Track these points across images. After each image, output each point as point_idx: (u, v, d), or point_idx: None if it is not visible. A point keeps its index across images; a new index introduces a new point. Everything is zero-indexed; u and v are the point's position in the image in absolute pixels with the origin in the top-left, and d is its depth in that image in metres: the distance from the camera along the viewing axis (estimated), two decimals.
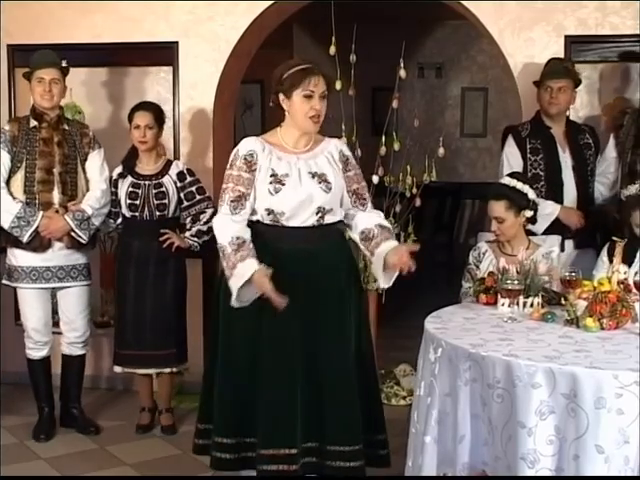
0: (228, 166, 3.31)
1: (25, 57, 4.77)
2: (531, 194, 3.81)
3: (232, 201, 3.23)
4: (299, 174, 3.25)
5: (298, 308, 3.18)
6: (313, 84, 3.20)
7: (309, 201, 3.24)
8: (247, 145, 3.28)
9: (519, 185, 3.80)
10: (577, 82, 4.39)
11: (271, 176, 3.24)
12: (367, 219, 3.39)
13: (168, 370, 4.45)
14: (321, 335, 3.26)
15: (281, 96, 3.26)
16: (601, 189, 4.43)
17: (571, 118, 4.55)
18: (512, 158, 4.37)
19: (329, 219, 3.30)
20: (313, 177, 3.26)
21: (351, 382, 3.29)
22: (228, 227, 3.23)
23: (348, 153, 3.43)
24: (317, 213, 3.26)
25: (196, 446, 3.50)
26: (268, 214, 3.25)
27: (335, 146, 3.40)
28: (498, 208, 3.75)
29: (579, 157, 4.38)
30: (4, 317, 5.11)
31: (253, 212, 3.28)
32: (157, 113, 4.44)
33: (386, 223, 3.42)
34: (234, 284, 3.15)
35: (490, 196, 3.83)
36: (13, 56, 5.18)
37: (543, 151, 4.34)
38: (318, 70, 3.24)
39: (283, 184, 3.23)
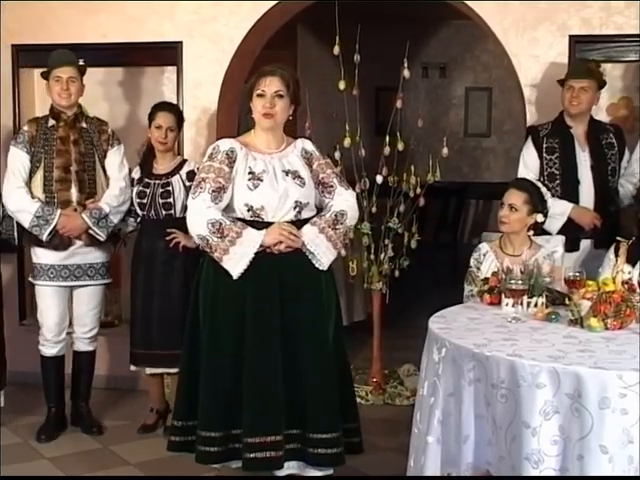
0: (206, 158, 3.43)
1: (29, 57, 4.81)
2: (549, 202, 3.90)
3: (213, 191, 3.33)
4: (274, 172, 3.40)
5: (278, 298, 3.33)
6: (264, 84, 3.40)
7: (285, 196, 3.36)
8: (227, 143, 3.44)
9: (544, 190, 3.92)
10: (601, 83, 4.38)
11: (249, 174, 3.37)
12: (331, 205, 3.47)
13: (175, 371, 4.44)
14: (300, 325, 3.36)
15: (250, 102, 3.45)
16: (630, 188, 4.36)
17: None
18: (528, 158, 4.39)
19: (306, 214, 3.43)
20: (287, 174, 3.41)
21: (330, 370, 3.39)
22: (203, 215, 3.30)
23: (310, 148, 3.54)
24: (295, 208, 3.39)
25: (172, 443, 3.55)
26: (247, 210, 3.36)
27: (300, 144, 3.54)
28: (517, 197, 3.82)
29: (599, 156, 4.35)
30: (9, 317, 5.11)
31: (231, 209, 3.37)
32: (179, 115, 4.48)
33: (341, 209, 3.44)
34: (237, 264, 3.28)
35: (513, 185, 3.93)
36: (17, 56, 5.19)
37: (560, 150, 4.33)
38: (275, 72, 3.41)
39: (261, 180, 3.36)
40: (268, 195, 3.34)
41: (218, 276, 3.37)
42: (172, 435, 3.56)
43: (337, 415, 3.39)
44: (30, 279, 4.51)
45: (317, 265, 3.39)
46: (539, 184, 3.97)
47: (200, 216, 3.31)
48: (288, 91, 3.41)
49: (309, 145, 3.56)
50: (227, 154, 3.38)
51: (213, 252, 3.30)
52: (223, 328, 3.36)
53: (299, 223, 3.39)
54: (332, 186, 3.50)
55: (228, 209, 3.37)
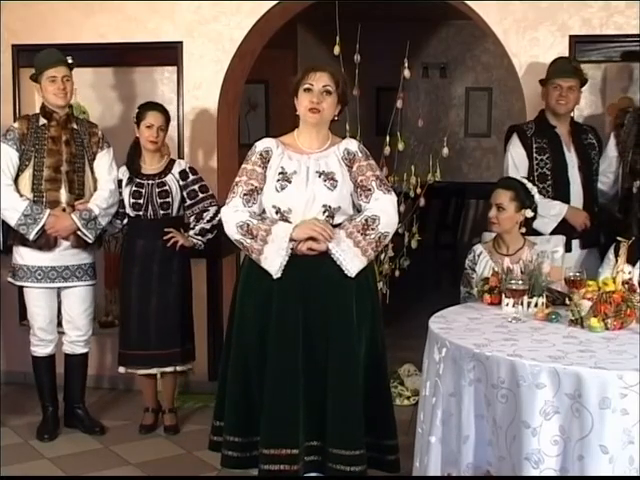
0: (244, 161, 3.40)
1: (30, 57, 4.78)
2: (536, 197, 3.90)
3: (245, 194, 3.30)
4: (307, 173, 3.30)
5: (302, 311, 3.24)
6: (312, 78, 3.30)
7: (312, 199, 3.27)
8: (264, 143, 3.39)
9: (529, 185, 3.92)
10: (583, 82, 4.38)
11: (280, 174, 3.30)
12: (366, 210, 3.32)
13: (171, 369, 4.44)
14: (325, 341, 3.25)
15: (295, 98, 3.36)
16: (602, 188, 4.43)
17: (575, 118, 4.55)
18: (518, 158, 4.35)
19: (339, 219, 3.31)
20: (320, 176, 3.30)
21: (355, 387, 3.27)
22: (232, 219, 3.28)
23: (354, 149, 3.39)
24: (324, 212, 3.28)
25: (211, 442, 3.50)
26: (276, 212, 3.29)
27: (344, 144, 3.41)
28: (503, 196, 3.84)
29: (584, 157, 4.37)
30: (9, 317, 5.11)
31: (262, 210, 3.33)
32: (167, 115, 4.46)
33: (373, 214, 3.29)
34: (273, 262, 3.21)
35: (499, 185, 3.94)
36: (17, 56, 5.18)
37: (549, 150, 4.33)
38: (324, 67, 3.34)
39: (290, 182, 3.28)
40: (294, 197, 3.26)
41: (247, 285, 3.33)
42: (212, 434, 3.50)
43: (360, 432, 3.26)
44: (10, 280, 4.44)
45: (345, 272, 3.24)
46: (524, 180, 3.97)
47: (230, 221, 3.29)
48: (337, 89, 3.31)
49: (353, 145, 3.41)
50: (261, 154, 3.34)
51: (252, 254, 3.26)
52: (249, 339, 3.30)
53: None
54: (370, 189, 3.33)
55: (263, 211, 3.33)
